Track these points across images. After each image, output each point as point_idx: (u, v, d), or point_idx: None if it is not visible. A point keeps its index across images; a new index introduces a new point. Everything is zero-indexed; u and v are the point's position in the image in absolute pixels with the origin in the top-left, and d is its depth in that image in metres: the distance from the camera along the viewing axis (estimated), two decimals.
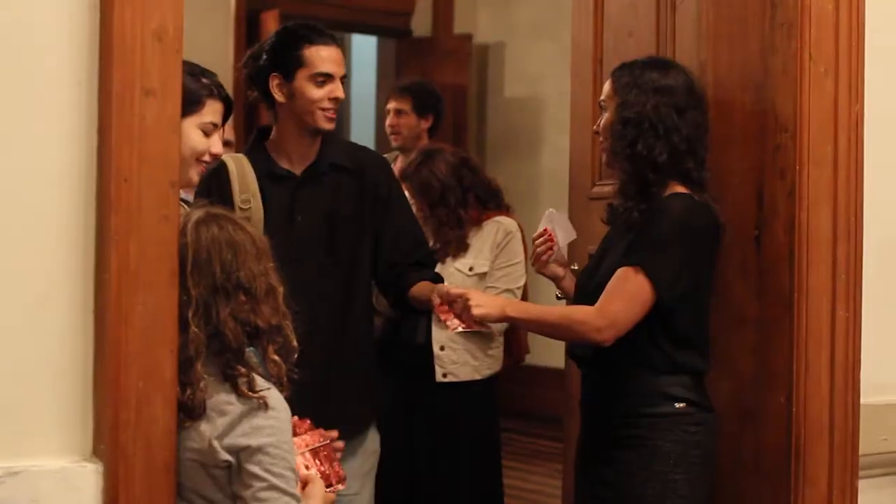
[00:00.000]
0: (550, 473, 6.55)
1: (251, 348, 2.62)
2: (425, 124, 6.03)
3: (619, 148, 3.21)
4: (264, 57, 3.65)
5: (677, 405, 3.14)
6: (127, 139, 2.45)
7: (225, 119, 3.10)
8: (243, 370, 2.56)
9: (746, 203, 3.31)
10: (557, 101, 7.69)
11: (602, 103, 3.32)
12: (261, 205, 3.55)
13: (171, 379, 2.50)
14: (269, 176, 3.62)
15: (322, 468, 2.77)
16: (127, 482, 2.45)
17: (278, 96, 3.62)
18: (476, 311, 3.24)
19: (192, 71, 2.93)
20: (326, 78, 3.58)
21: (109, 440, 2.44)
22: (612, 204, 3.33)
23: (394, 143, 6.12)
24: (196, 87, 2.96)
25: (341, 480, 2.81)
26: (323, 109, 3.59)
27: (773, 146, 3.26)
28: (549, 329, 3.28)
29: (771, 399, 3.26)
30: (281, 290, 2.67)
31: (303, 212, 3.60)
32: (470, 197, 4.60)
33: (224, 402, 2.54)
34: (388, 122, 6.15)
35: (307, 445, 2.75)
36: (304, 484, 2.66)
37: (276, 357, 2.63)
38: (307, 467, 2.71)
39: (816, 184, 3.22)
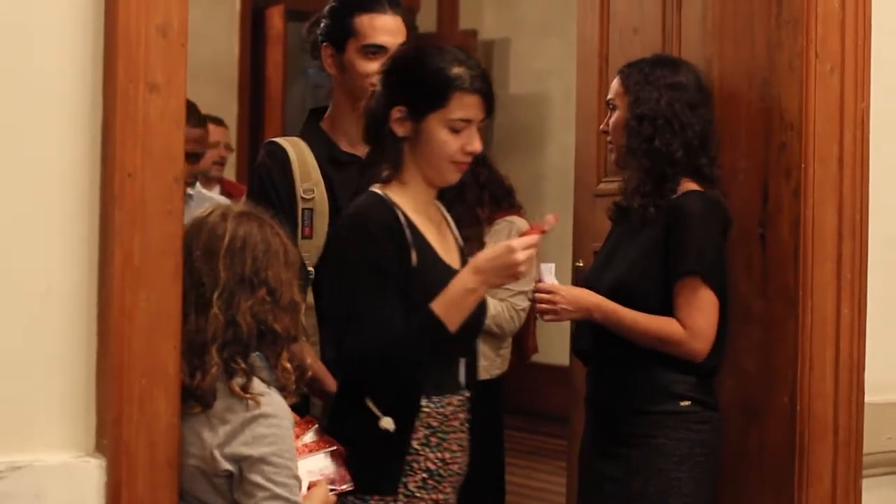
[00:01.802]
0: (554, 471, 6.55)
1: (257, 353, 2.61)
2: None
3: (635, 144, 3.22)
4: (319, 26, 3.35)
5: (682, 403, 3.15)
6: (131, 134, 2.44)
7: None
8: (244, 367, 2.56)
9: (751, 201, 3.31)
10: (563, 98, 7.69)
11: (611, 102, 3.32)
12: (325, 194, 3.23)
13: (174, 374, 2.49)
14: (331, 161, 3.28)
15: (326, 473, 2.78)
16: (130, 477, 2.45)
17: (330, 69, 3.33)
18: (563, 316, 3.25)
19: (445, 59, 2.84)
20: (378, 50, 3.23)
21: (112, 435, 2.44)
22: (619, 202, 3.33)
23: None
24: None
25: (346, 482, 2.81)
26: (374, 85, 3.12)
27: (779, 144, 3.26)
28: (640, 340, 3.20)
29: (775, 397, 3.26)
30: (302, 307, 2.68)
31: None
32: (485, 195, 4.59)
33: (226, 409, 2.53)
34: None
35: (319, 448, 2.75)
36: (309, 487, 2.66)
37: (289, 365, 2.63)
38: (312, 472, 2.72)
39: (822, 182, 3.21)
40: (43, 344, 2.43)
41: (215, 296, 2.55)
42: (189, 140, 4.24)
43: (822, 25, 3.21)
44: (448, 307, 2.75)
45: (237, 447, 2.50)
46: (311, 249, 3.17)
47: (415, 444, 2.81)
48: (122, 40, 2.44)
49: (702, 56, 3.45)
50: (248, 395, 2.52)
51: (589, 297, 3.22)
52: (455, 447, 2.89)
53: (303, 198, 3.21)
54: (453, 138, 2.83)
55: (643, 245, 3.21)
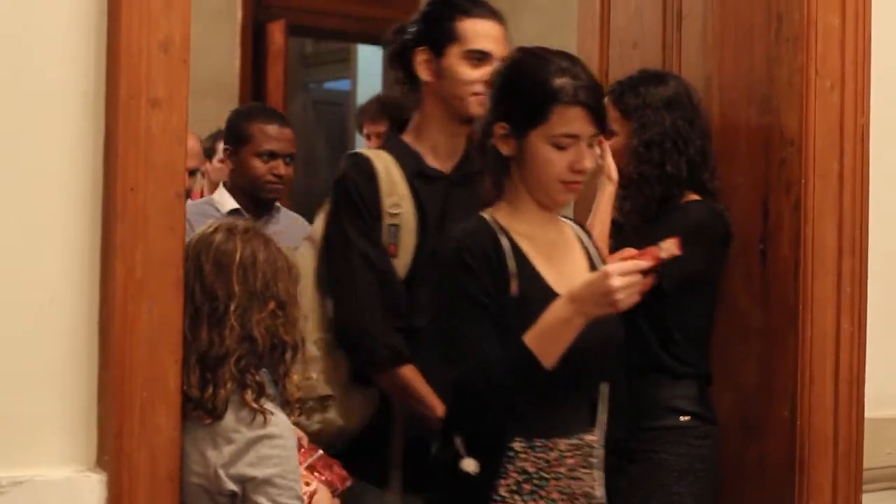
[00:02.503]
0: None
1: (264, 370, 2.62)
2: None
3: (647, 171, 3.20)
4: (412, 28, 3.16)
5: (682, 418, 3.14)
6: (133, 149, 2.45)
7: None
8: (257, 380, 2.57)
9: (752, 216, 3.31)
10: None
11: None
12: (413, 210, 3.09)
13: (176, 388, 2.50)
14: (418, 175, 3.13)
15: (323, 477, 2.78)
16: (131, 492, 2.45)
17: (424, 74, 3.13)
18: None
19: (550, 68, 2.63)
20: (483, 57, 3.09)
21: (113, 450, 2.44)
22: (615, 218, 3.32)
23: None
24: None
25: (346, 480, 2.82)
26: (476, 94, 3.05)
27: (779, 160, 3.26)
28: None
29: (775, 411, 3.26)
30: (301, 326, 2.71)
31: (455, 218, 3.00)
32: None
33: (231, 429, 2.54)
34: (370, 146, 6.18)
35: (300, 464, 2.75)
36: (310, 498, 2.67)
37: (296, 378, 2.65)
38: (307, 483, 2.72)
39: (822, 197, 3.21)
40: (44, 357, 2.44)
41: (231, 309, 2.56)
42: (283, 139, 4.16)
43: (822, 42, 3.22)
44: (541, 339, 2.50)
45: (242, 468, 2.51)
46: (397, 268, 3.08)
47: (502, 490, 2.57)
48: (124, 56, 2.46)
49: (702, 72, 3.46)
50: (259, 408, 2.53)
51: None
52: (555, 495, 2.61)
53: (389, 213, 3.07)
54: (559, 156, 2.60)
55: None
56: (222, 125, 6.44)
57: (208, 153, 5.98)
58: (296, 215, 4.41)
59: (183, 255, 2.53)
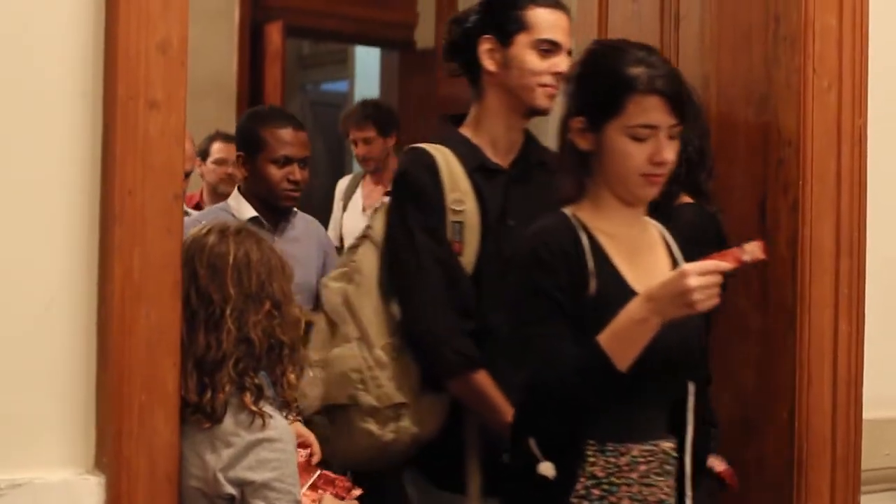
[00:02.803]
0: None
1: (262, 372, 2.62)
2: (391, 142, 6.16)
3: None
4: (474, 17, 3.09)
5: None
6: (131, 151, 2.45)
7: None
8: (256, 383, 2.57)
9: (749, 217, 3.31)
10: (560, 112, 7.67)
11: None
12: (475, 207, 3.01)
13: (174, 391, 2.50)
14: (480, 170, 3.04)
15: (329, 490, 2.78)
16: (129, 494, 2.45)
17: (488, 64, 3.05)
18: None
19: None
20: (552, 47, 3.02)
21: (112, 452, 2.44)
22: None
23: (366, 169, 6.18)
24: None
25: (352, 489, 2.82)
26: (543, 86, 3.01)
27: (777, 160, 3.26)
28: None
29: (773, 413, 3.26)
30: (303, 323, 2.69)
31: (515, 215, 3.00)
32: None
33: (230, 432, 2.53)
34: (357, 152, 6.21)
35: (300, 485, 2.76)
36: None
37: (293, 378, 2.64)
38: (315, 501, 2.73)
39: (819, 198, 3.22)
40: (43, 360, 2.44)
41: (227, 312, 2.56)
42: (297, 143, 4.05)
43: (820, 42, 3.22)
44: (615, 340, 2.42)
45: (241, 472, 2.50)
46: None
47: (573, 497, 2.51)
48: (122, 58, 2.45)
49: (699, 72, 3.46)
50: (259, 410, 2.53)
51: None
52: (626, 502, 2.54)
53: (452, 209, 2.98)
54: (638, 148, 2.51)
55: None
56: (220, 126, 6.46)
57: (203, 154, 5.99)
58: (310, 217, 4.34)
59: (184, 253, 2.53)
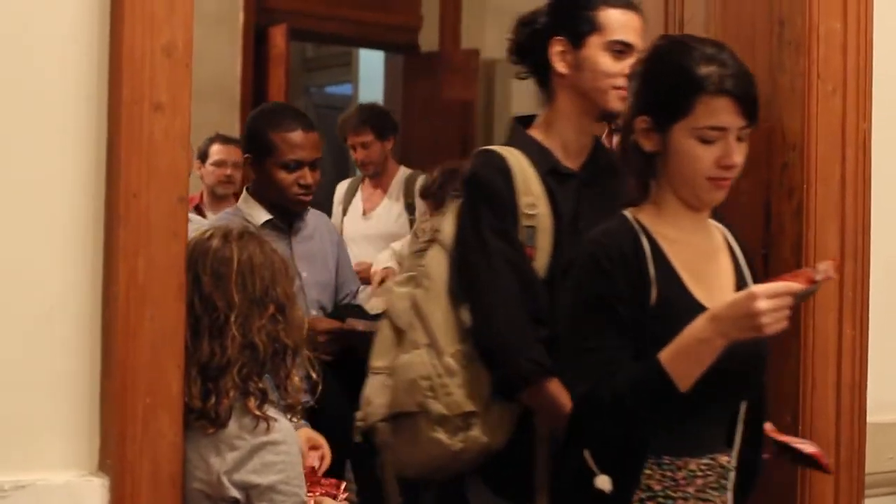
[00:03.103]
0: None
1: (267, 375, 2.62)
2: (388, 145, 6.17)
3: None
4: (544, 19, 3.02)
5: None
6: (136, 154, 2.45)
7: None
8: (260, 388, 2.57)
9: (754, 221, 3.31)
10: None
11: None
12: (548, 211, 2.93)
13: (178, 393, 2.50)
14: (552, 173, 2.98)
15: (321, 491, 2.79)
16: (133, 496, 2.45)
17: (560, 66, 2.99)
18: None
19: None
20: (626, 49, 2.95)
21: (116, 454, 2.44)
22: None
23: (366, 173, 6.19)
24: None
25: (339, 485, 2.83)
26: (616, 88, 2.93)
27: (781, 164, 3.26)
28: None
29: (778, 416, 3.25)
30: (306, 322, 2.69)
31: (586, 220, 2.90)
32: None
33: (236, 434, 2.54)
34: (356, 156, 6.21)
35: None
36: None
37: (298, 381, 2.64)
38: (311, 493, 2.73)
39: (824, 202, 3.21)
40: (47, 362, 2.44)
41: (232, 319, 2.56)
42: (308, 146, 3.93)
43: (824, 46, 3.22)
44: (678, 359, 2.32)
45: (246, 475, 2.51)
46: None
47: None
48: (126, 60, 2.46)
49: None
50: (263, 415, 2.53)
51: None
52: None
53: (525, 213, 2.90)
54: (705, 150, 2.41)
55: None
56: (224, 129, 6.47)
57: (202, 156, 6.00)
58: (317, 211, 4.25)
59: (185, 260, 2.53)
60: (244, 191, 4.15)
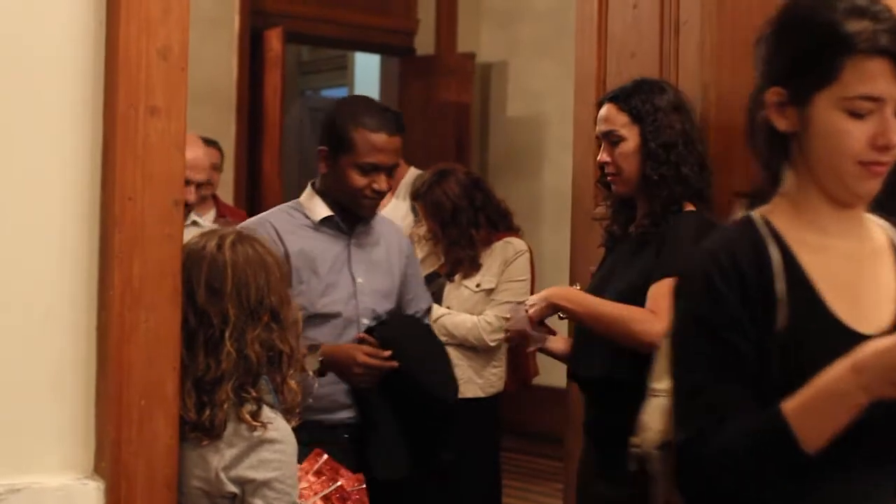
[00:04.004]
0: (551, 493, 6.55)
1: (264, 377, 2.62)
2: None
3: (666, 171, 3.20)
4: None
5: None
6: (131, 157, 2.45)
7: None
8: (254, 395, 2.57)
9: None
10: (560, 120, 7.70)
11: (612, 133, 3.28)
12: None
13: (173, 396, 2.50)
14: None
15: (337, 482, 2.79)
16: (128, 499, 2.45)
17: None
18: (531, 312, 3.20)
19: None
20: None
21: (111, 457, 2.44)
22: (611, 230, 3.33)
23: None
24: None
25: (358, 481, 2.83)
26: None
27: None
28: (601, 318, 3.18)
29: None
30: (301, 320, 2.69)
31: None
32: (481, 217, 4.63)
33: (233, 433, 2.54)
34: None
35: (315, 494, 2.76)
36: None
37: (294, 384, 2.64)
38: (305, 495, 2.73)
39: None
40: (42, 365, 2.44)
41: (227, 334, 2.56)
42: (389, 150, 3.62)
43: None
44: (807, 413, 1.82)
45: (243, 470, 2.51)
46: None
47: None
48: (122, 64, 2.45)
49: (700, 80, 3.47)
50: (257, 423, 2.53)
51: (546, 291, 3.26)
52: None
53: None
54: (857, 126, 1.91)
55: (641, 267, 3.20)
56: (219, 132, 6.48)
57: None
58: (388, 219, 3.98)
59: (180, 262, 2.53)
60: (308, 186, 3.80)
